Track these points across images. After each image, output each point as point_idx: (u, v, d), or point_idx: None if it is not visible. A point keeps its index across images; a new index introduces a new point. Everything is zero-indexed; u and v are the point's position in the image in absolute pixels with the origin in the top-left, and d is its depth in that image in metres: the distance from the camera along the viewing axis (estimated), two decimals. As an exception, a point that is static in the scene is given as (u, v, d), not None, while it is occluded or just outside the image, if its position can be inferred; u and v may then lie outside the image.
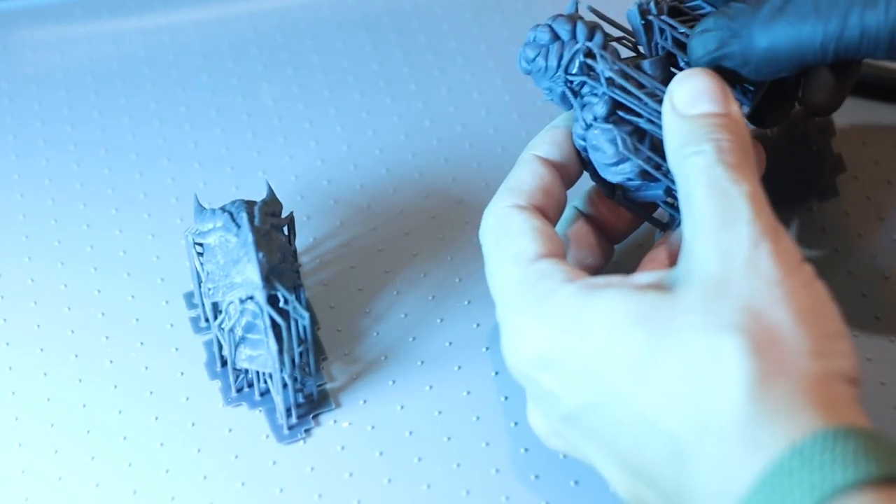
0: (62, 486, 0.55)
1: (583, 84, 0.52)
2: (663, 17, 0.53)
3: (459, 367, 0.59)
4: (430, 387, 0.58)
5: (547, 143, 0.54)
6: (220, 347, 0.58)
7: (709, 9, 0.54)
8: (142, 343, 0.60)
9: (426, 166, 0.68)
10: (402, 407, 0.58)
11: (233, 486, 0.55)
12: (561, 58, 0.52)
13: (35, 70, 0.74)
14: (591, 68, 0.52)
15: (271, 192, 0.58)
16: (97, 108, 0.72)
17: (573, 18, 0.53)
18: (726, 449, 0.42)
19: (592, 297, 0.46)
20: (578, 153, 0.54)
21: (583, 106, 0.52)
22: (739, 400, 0.42)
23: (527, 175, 0.53)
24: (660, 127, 0.51)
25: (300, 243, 0.62)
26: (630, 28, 0.55)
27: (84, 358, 0.60)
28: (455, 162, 0.68)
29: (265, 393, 0.58)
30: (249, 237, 0.55)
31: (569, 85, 0.53)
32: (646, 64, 0.53)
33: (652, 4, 0.54)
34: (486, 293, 0.61)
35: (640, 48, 0.55)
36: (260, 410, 0.58)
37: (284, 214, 0.58)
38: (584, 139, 0.53)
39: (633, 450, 0.45)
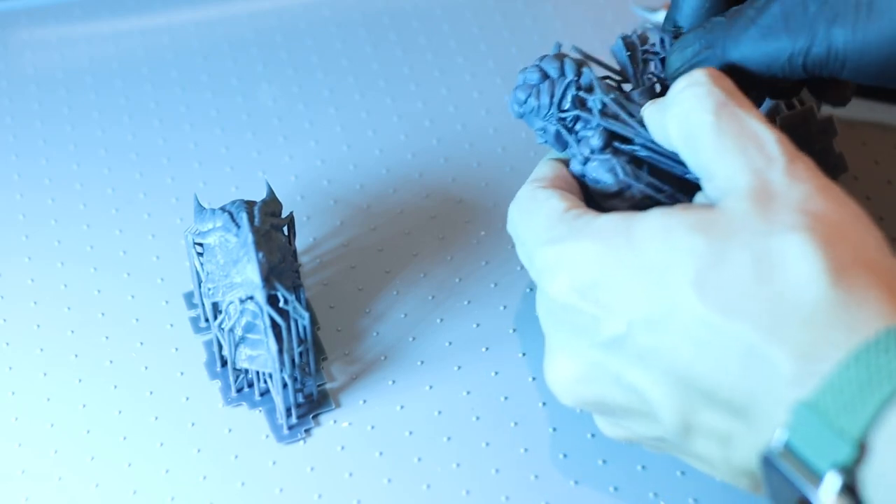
0: (62, 486, 0.55)
1: (576, 120, 0.53)
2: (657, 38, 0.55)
3: (459, 367, 0.59)
4: (430, 387, 0.58)
5: (549, 168, 0.54)
6: (220, 347, 0.58)
7: None
8: (142, 343, 0.60)
9: (426, 166, 0.68)
10: (402, 407, 0.58)
11: (233, 486, 0.55)
12: (553, 95, 0.53)
13: (35, 70, 0.74)
14: (583, 102, 0.53)
15: (271, 192, 0.58)
16: (97, 108, 0.72)
17: (559, 57, 0.54)
18: (810, 331, 0.42)
19: (638, 216, 0.47)
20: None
21: (578, 141, 0.53)
22: (820, 287, 0.42)
23: (547, 168, 0.53)
24: (655, 153, 0.52)
25: (300, 243, 0.62)
26: (613, 66, 0.56)
27: (84, 358, 0.60)
28: (455, 162, 0.68)
29: (265, 393, 0.58)
30: (249, 237, 0.55)
31: (562, 122, 0.53)
32: (635, 94, 0.54)
33: (635, 37, 0.55)
34: (486, 293, 0.61)
35: (623, 86, 0.56)
36: (260, 410, 0.58)
37: (284, 214, 0.58)
38: (582, 175, 0.53)
39: (693, 359, 0.44)
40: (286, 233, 0.58)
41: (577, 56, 0.55)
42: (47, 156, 0.69)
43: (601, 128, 0.52)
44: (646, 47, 0.55)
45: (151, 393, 0.58)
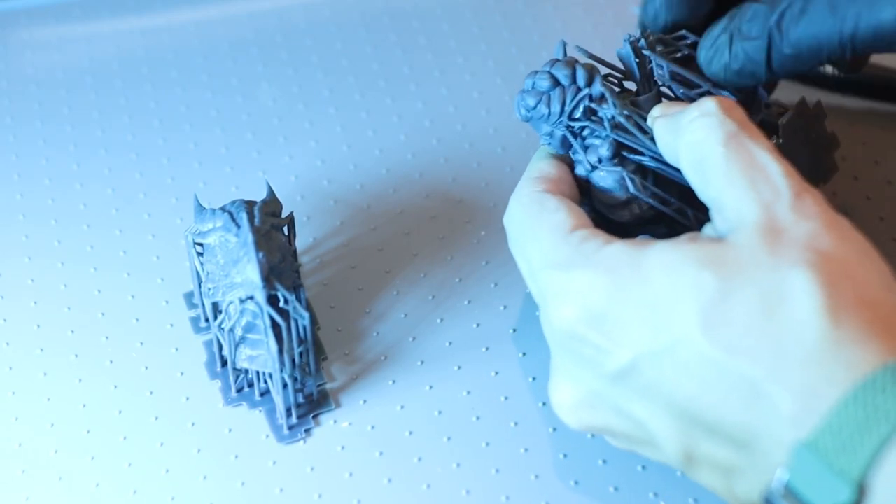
0: (62, 486, 0.55)
1: (584, 127, 0.53)
2: (657, 51, 0.54)
3: (459, 367, 0.59)
4: (430, 387, 0.58)
5: (551, 166, 0.53)
6: (220, 347, 0.58)
7: (692, 38, 0.55)
8: (142, 343, 0.60)
9: (426, 166, 0.68)
10: (402, 407, 0.58)
11: (233, 486, 0.55)
12: (564, 103, 0.53)
13: (35, 70, 0.74)
14: (593, 112, 0.53)
15: (271, 192, 0.58)
16: (97, 108, 0.72)
17: (570, 63, 0.53)
18: (810, 370, 0.42)
19: (646, 248, 0.47)
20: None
21: (585, 148, 0.53)
22: (821, 326, 0.42)
23: (547, 165, 0.53)
24: (662, 164, 0.52)
25: (300, 243, 0.62)
26: (616, 64, 0.55)
27: (84, 358, 0.60)
28: (455, 162, 0.68)
29: (265, 393, 0.58)
30: (249, 237, 0.55)
31: (570, 129, 0.53)
32: (641, 100, 0.53)
33: (642, 41, 0.55)
34: (486, 293, 0.61)
35: (625, 84, 0.55)
36: (260, 410, 0.58)
37: (284, 214, 0.58)
38: (587, 181, 0.53)
39: (697, 395, 0.44)
40: (286, 233, 0.58)
41: (582, 56, 0.54)
42: (47, 156, 0.69)
43: (611, 138, 0.52)
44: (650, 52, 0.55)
45: (151, 393, 0.58)
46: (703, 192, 0.48)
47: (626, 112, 0.52)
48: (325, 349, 0.60)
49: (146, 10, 0.77)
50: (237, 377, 0.58)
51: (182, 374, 0.59)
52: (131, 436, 0.57)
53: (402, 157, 0.68)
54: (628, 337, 0.46)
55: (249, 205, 0.57)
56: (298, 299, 0.55)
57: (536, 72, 0.54)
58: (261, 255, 0.54)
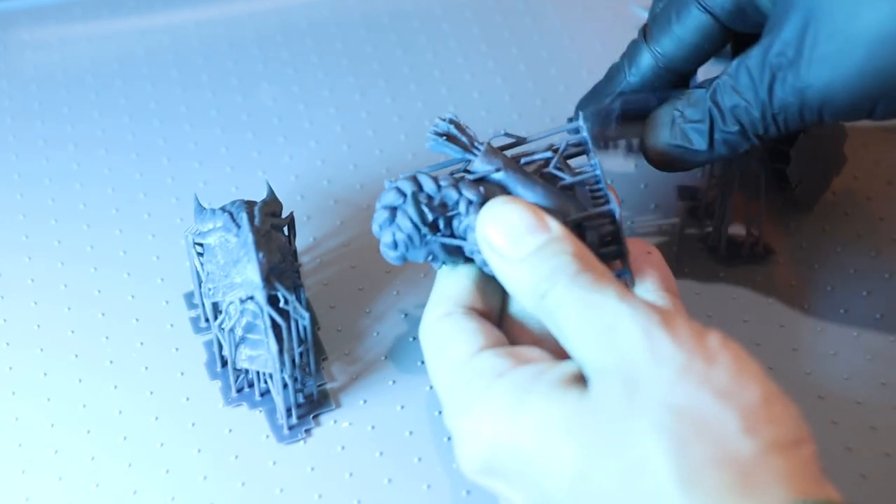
0: (62, 486, 0.55)
1: (448, 221, 0.51)
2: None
3: (459, 367, 0.59)
4: (430, 387, 0.58)
5: (452, 284, 0.52)
6: (220, 347, 0.58)
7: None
8: (142, 343, 0.60)
9: (426, 166, 0.67)
10: (402, 407, 0.58)
11: (233, 486, 0.55)
12: (410, 217, 0.51)
13: (35, 70, 0.74)
14: (443, 204, 0.51)
15: (271, 192, 0.58)
16: (97, 108, 0.72)
17: (392, 188, 0.52)
18: None
19: (522, 400, 0.46)
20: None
21: (465, 237, 0.51)
22: (676, 500, 0.41)
23: (451, 284, 0.51)
24: (549, 193, 0.51)
25: (300, 243, 0.62)
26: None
27: (84, 358, 0.60)
28: (455, 162, 0.68)
29: (265, 393, 0.58)
30: (249, 237, 0.55)
31: (438, 233, 0.51)
32: (476, 162, 0.52)
33: (445, 124, 0.53)
34: (486, 293, 0.61)
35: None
36: (260, 410, 0.58)
37: (284, 214, 0.58)
38: (485, 262, 0.50)
39: None
40: (286, 233, 0.58)
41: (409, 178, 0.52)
42: (47, 156, 0.69)
43: (473, 205, 0.50)
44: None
45: (151, 393, 0.58)
46: (563, 344, 0.47)
47: (466, 178, 0.51)
48: (325, 349, 0.60)
49: (146, 10, 0.77)
50: (237, 377, 0.58)
51: (182, 374, 0.59)
52: (131, 436, 0.57)
53: (401, 157, 0.68)
54: (519, 489, 0.46)
55: (249, 205, 0.57)
56: (298, 299, 0.55)
57: (375, 219, 0.52)
58: (261, 255, 0.54)
